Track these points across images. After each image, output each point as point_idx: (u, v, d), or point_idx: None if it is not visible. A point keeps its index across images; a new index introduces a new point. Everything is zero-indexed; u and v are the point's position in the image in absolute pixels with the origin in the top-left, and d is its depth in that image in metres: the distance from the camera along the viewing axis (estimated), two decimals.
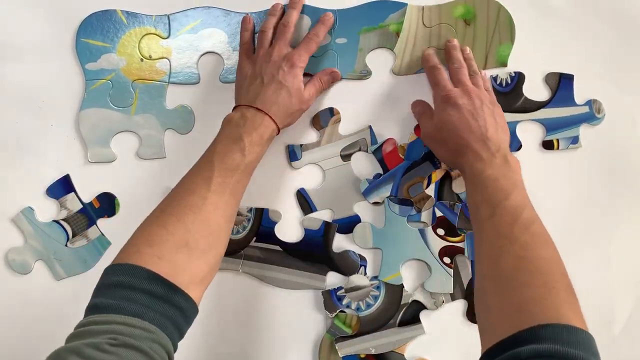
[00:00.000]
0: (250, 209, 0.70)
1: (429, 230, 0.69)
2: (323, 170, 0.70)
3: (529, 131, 0.70)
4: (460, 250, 0.69)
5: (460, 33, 0.70)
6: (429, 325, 0.69)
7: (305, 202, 0.70)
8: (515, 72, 0.69)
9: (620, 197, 0.70)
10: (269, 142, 0.63)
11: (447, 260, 0.69)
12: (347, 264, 0.70)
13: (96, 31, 0.69)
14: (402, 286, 0.69)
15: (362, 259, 0.70)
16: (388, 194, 0.69)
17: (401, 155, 0.69)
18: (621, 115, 0.70)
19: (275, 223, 0.70)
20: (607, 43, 0.70)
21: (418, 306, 0.69)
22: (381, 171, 0.70)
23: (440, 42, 0.70)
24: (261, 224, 0.70)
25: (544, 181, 0.69)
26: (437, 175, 0.69)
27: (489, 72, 0.70)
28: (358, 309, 0.69)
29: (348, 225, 0.70)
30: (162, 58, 0.70)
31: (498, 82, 0.69)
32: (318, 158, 0.70)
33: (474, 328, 0.69)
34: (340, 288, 0.70)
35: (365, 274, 0.70)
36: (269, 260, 0.70)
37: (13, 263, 0.69)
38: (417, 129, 0.69)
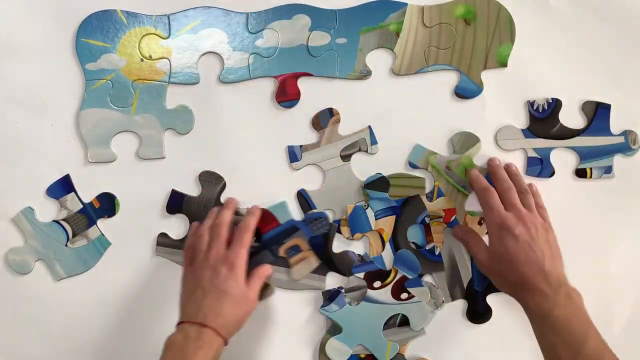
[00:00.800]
0: None
1: (371, 292, 0.69)
2: (323, 171, 0.70)
3: (563, 158, 0.70)
4: (404, 279, 0.70)
5: (460, 33, 0.70)
6: (429, 325, 0.69)
7: (305, 203, 0.70)
8: (552, 99, 0.69)
9: (622, 200, 0.71)
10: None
11: (404, 295, 0.69)
12: (346, 264, 0.70)
13: (96, 31, 0.69)
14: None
15: (362, 259, 0.70)
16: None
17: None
18: (622, 116, 0.70)
19: None
20: (607, 43, 0.70)
21: None
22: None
23: (440, 42, 0.69)
24: None
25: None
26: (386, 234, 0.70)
27: (491, 72, 0.70)
28: None
29: None
30: (162, 58, 0.70)
31: (535, 108, 0.69)
32: (318, 159, 0.70)
33: (474, 328, 0.70)
34: (340, 288, 0.70)
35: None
36: (268, 260, 0.69)
37: (13, 263, 0.69)
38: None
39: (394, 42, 0.70)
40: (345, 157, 0.70)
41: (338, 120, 0.70)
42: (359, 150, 0.70)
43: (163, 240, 0.70)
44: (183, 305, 0.63)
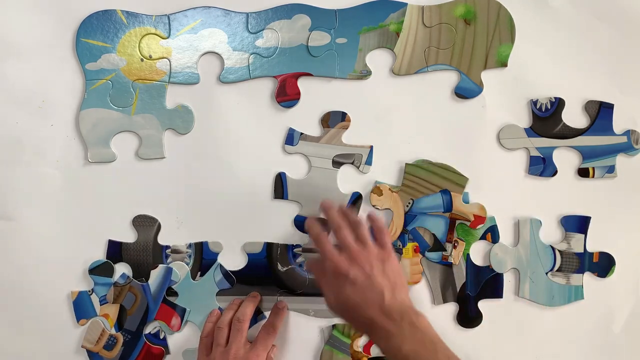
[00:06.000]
0: (190, 245, 0.70)
1: None
2: (310, 166, 0.70)
3: (566, 158, 0.70)
4: None
5: (460, 33, 0.70)
6: None
7: (280, 187, 0.70)
8: (555, 98, 0.69)
9: (624, 200, 0.71)
10: None
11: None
12: (295, 280, 0.70)
13: (96, 31, 0.69)
14: None
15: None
16: None
17: None
18: (625, 116, 0.70)
19: (217, 254, 0.70)
20: (607, 43, 0.70)
21: None
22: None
23: (440, 42, 0.69)
24: (203, 257, 0.70)
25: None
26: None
27: (491, 72, 0.70)
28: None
29: None
30: (162, 58, 0.70)
31: (538, 107, 0.69)
32: (311, 152, 0.70)
33: (467, 330, 0.70)
34: (298, 245, 0.70)
35: None
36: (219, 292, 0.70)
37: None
38: None
39: (394, 42, 0.70)
40: (336, 164, 0.70)
41: (346, 127, 0.70)
42: (352, 163, 0.70)
43: None
44: None
